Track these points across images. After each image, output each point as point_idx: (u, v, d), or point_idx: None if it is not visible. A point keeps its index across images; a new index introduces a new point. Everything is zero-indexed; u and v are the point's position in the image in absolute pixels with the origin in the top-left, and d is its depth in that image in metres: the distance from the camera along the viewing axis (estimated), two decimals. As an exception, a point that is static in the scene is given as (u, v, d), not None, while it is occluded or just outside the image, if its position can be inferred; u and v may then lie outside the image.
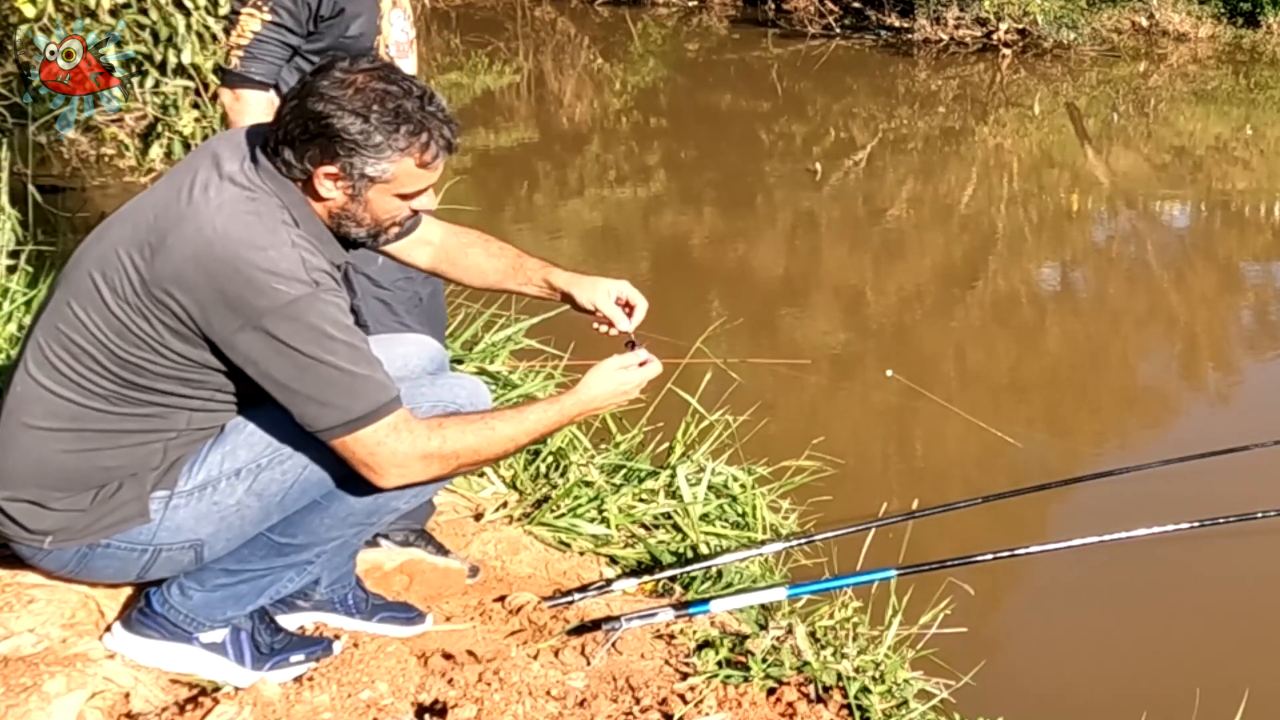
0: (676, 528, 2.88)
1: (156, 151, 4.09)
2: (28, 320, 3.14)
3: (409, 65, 2.53)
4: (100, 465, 1.83)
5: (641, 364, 2.02)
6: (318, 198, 1.80)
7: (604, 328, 2.14)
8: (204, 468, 1.87)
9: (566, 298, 2.15)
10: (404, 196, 1.83)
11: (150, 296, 1.73)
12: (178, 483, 1.86)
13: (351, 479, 1.86)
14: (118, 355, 1.77)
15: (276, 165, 1.78)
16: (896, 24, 12.96)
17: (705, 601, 2.42)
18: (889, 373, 4.73)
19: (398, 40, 2.47)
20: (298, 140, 1.76)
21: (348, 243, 1.90)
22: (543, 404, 1.96)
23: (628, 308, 2.12)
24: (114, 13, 3.83)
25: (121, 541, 1.87)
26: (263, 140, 1.80)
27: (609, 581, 2.60)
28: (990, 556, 2.83)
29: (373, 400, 1.76)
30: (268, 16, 2.21)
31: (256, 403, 1.85)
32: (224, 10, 3.99)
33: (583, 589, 2.55)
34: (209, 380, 1.82)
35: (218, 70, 2.35)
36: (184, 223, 1.73)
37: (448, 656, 2.19)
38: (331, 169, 1.77)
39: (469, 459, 1.87)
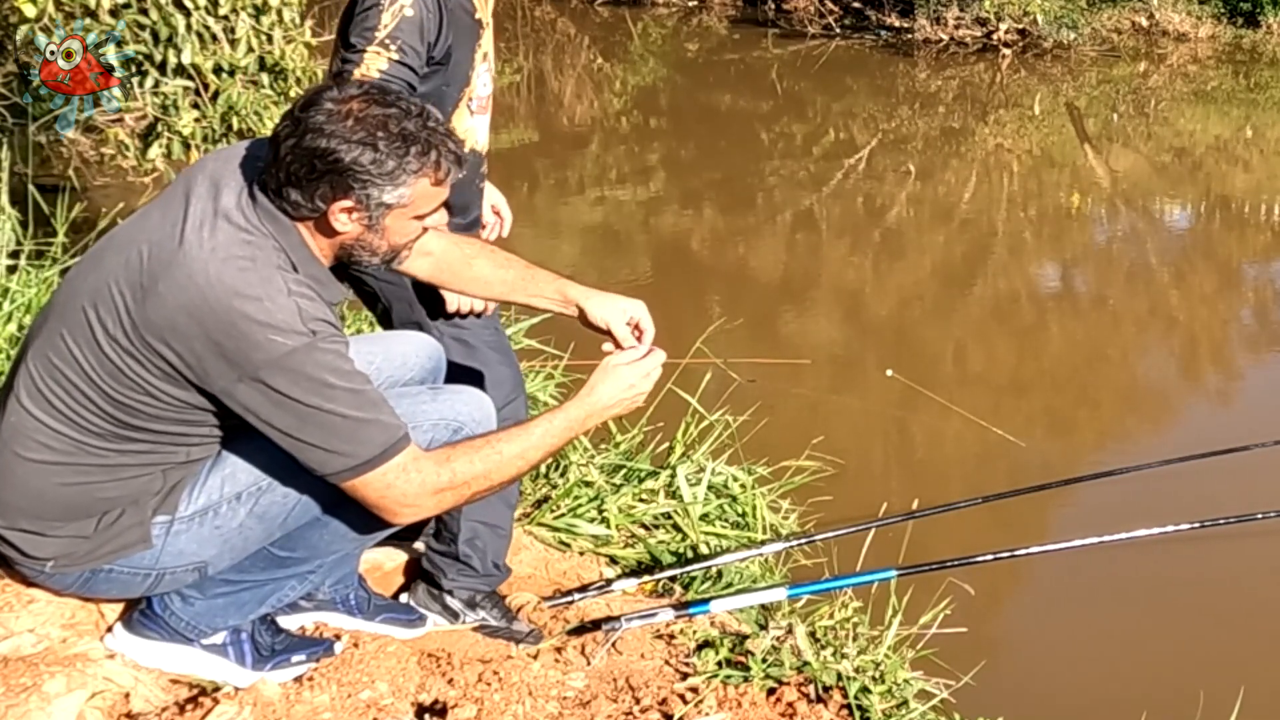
0: (676, 528, 2.88)
1: (156, 151, 4.07)
2: (28, 320, 3.14)
3: (484, 123, 2.39)
4: (100, 496, 1.81)
5: (645, 355, 1.96)
6: (331, 233, 1.75)
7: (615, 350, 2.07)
8: (204, 492, 1.84)
9: (580, 311, 2.08)
10: (419, 217, 1.80)
11: (143, 341, 1.69)
12: (178, 508, 1.84)
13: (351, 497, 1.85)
14: (111, 396, 1.73)
15: (279, 205, 1.73)
16: (896, 24, 12.97)
17: (705, 601, 2.42)
18: (889, 372, 4.73)
19: (479, 95, 2.34)
20: (305, 180, 1.69)
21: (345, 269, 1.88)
22: (547, 415, 1.90)
23: (637, 330, 2.06)
24: (114, 13, 3.81)
25: (124, 566, 1.85)
26: (262, 180, 1.74)
27: (609, 581, 2.60)
28: (990, 557, 2.83)
29: (378, 444, 1.72)
30: (395, 56, 2.11)
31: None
32: (224, 10, 3.99)
33: (583, 589, 2.55)
34: (206, 419, 1.78)
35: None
36: (175, 267, 1.67)
37: (448, 656, 2.19)
38: (347, 203, 1.71)
39: (481, 486, 1.83)
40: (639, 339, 2.03)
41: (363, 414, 1.71)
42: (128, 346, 1.70)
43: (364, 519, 1.88)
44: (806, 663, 2.19)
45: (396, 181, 1.71)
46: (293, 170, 1.69)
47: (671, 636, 2.36)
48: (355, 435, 1.71)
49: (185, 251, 1.68)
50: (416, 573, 2.44)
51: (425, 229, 1.84)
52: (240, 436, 1.83)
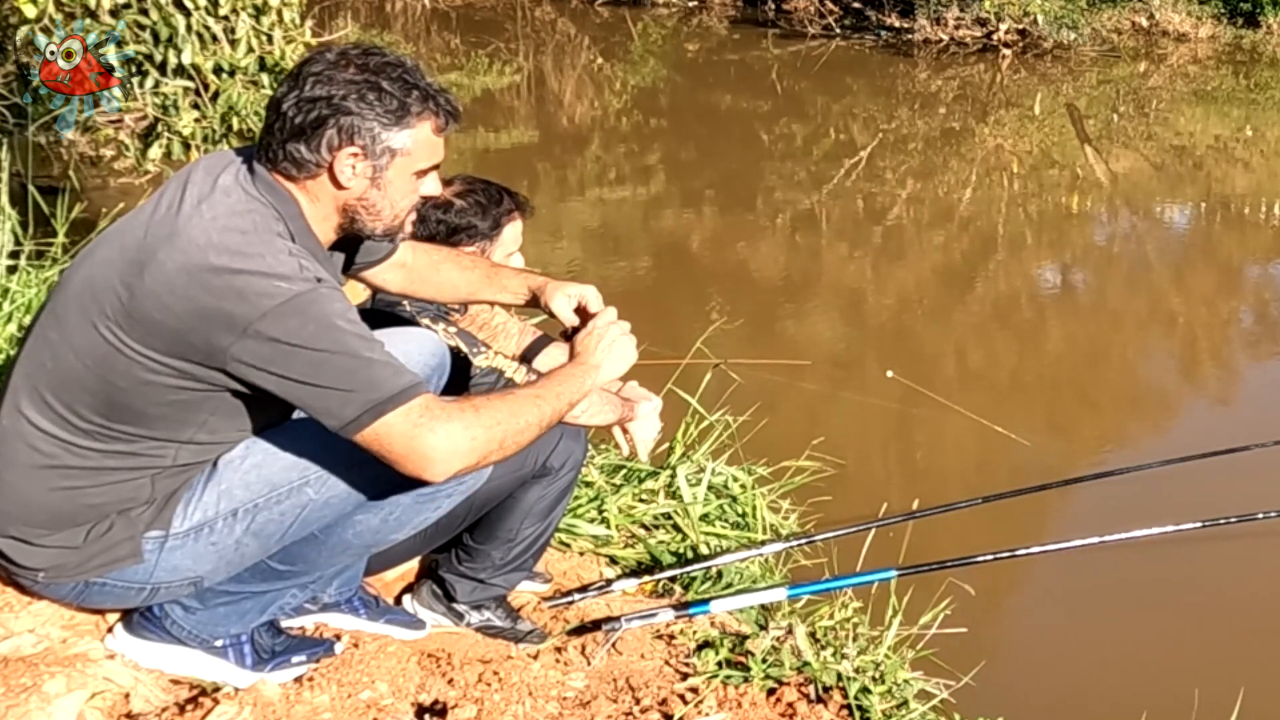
0: (676, 528, 2.88)
1: (156, 152, 4.08)
2: (27, 321, 3.14)
3: None
4: (87, 503, 1.78)
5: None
6: (334, 189, 1.74)
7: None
8: (200, 507, 1.80)
9: (532, 298, 2.11)
10: (419, 174, 1.79)
11: (142, 314, 1.65)
12: (172, 523, 1.80)
13: (348, 515, 1.83)
14: (106, 379, 1.70)
15: (280, 168, 1.72)
16: (896, 24, 12.98)
17: (705, 602, 2.42)
18: (889, 373, 4.73)
19: None
20: (310, 129, 1.68)
21: (346, 244, 1.87)
22: (546, 377, 1.88)
23: (584, 313, 2.07)
24: (114, 13, 3.82)
25: (117, 580, 1.83)
26: (263, 144, 1.73)
27: (609, 581, 2.60)
28: (990, 557, 2.83)
29: (397, 383, 1.63)
30: None
31: (247, 436, 1.81)
32: (224, 10, 3.99)
33: (583, 589, 2.55)
34: (197, 410, 1.74)
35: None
36: (176, 236, 1.66)
37: (448, 657, 2.19)
38: (353, 149, 1.70)
39: (507, 425, 1.71)
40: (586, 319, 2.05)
41: (376, 356, 1.65)
42: (125, 324, 1.67)
43: (360, 536, 1.86)
44: (806, 663, 2.19)
45: (402, 124, 1.72)
46: (296, 122, 1.69)
47: (671, 637, 2.36)
48: (372, 377, 1.63)
49: (184, 222, 1.67)
50: (421, 573, 2.44)
51: (422, 198, 1.83)
52: (236, 451, 1.81)
